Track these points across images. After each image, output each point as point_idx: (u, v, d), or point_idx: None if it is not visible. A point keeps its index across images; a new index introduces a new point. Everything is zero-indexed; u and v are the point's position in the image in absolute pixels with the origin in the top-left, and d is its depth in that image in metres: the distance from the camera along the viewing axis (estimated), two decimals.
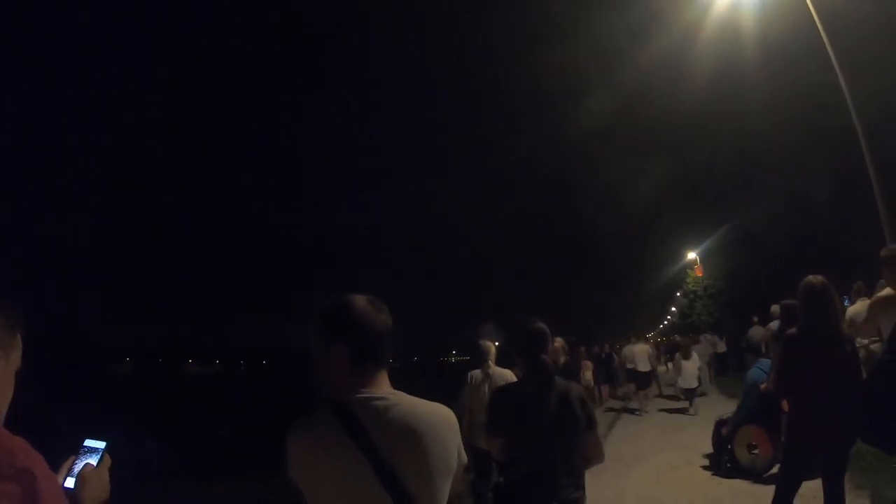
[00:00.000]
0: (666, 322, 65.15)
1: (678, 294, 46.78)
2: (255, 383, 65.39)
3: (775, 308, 9.89)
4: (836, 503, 3.89)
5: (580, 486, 2.81)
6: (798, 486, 3.95)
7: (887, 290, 4.49)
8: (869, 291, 7.99)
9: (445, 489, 1.73)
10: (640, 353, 16.15)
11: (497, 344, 5.95)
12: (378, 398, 1.69)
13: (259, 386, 56.75)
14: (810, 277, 4.00)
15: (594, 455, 2.93)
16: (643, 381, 15.63)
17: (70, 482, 1.52)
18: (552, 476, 2.69)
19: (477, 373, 5.75)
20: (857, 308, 7.89)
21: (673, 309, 55.36)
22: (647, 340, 21.80)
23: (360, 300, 1.78)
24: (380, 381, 1.75)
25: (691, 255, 38.03)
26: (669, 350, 18.11)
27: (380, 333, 1.76)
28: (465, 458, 1.81)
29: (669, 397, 17.26)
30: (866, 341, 7.53)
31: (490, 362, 5.78)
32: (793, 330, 4.11)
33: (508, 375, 5.68)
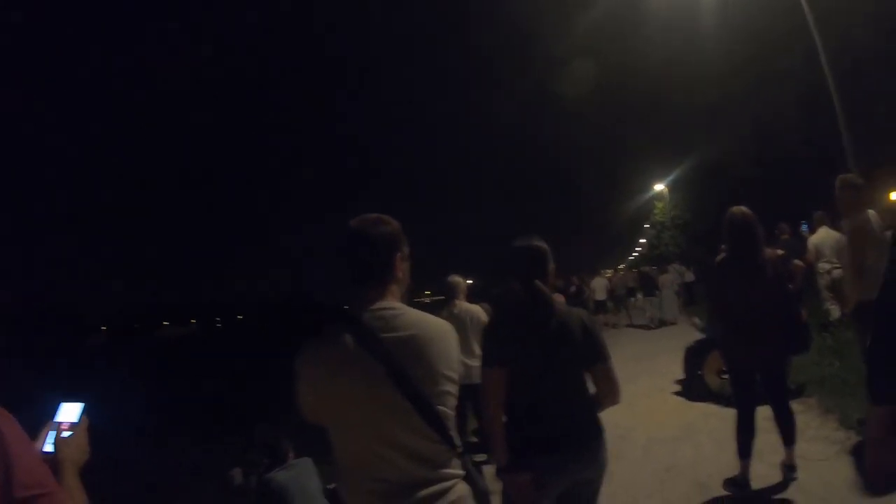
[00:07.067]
0: (636, 253, 65.93)
1: (646, 226, 47.15)
2: (233, 341, 65.07)
3: None
4: (786, 421, 4.16)
5: (596, 436, 2.51)
6: (751, 407, 4.17)
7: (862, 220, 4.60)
8: (830, 220, 8.21)
9: (452, 393, 1.83)
10: (597, 285, 19.67)
11: (471, 282, 5.90)
12: (386, 308, 1.81)
13: (237, 343, 56.60)
14: (733, 209, 4.19)
15: (608, 392, 2.55)
16: (600, 307, 19.48)
17: (51, 447, 1.50)
18: (558, 415, 2.44)
19: (444, 310, 5.71)
20: (820, 236, 8.09)
21: (642, 240, 55.93)
22: (602, 274, 23.58)
23: (359, 220, 1.89)
24: (388, 295, 1.86)
25: (658, 187, 38.32)
26: (642, 281, 18.46)
27: (372, 248, 1.85)
28: (462, 369, 1.92)
29: (639, 326, 17.78)
30: (829, 267, 7.78)
31: (456, 300, 5.75)
32: (720, 257, 4.35)
33: (476, 311, 5.69)
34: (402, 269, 1.92)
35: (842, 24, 15.13)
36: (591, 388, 2.59)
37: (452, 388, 1.82)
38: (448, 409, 1.80)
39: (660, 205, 38.90)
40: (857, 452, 4.40)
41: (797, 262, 6.69)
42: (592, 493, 2.54)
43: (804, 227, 11.16)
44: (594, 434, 2.50)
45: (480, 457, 5.18)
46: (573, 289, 19.08)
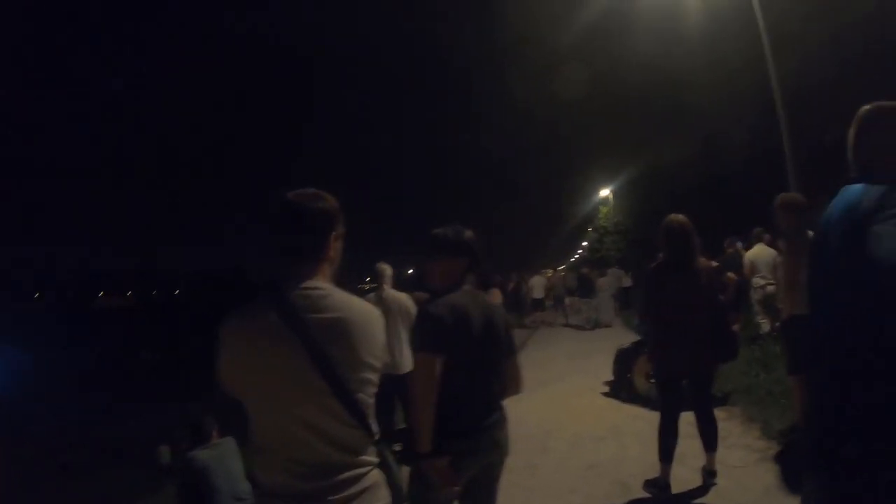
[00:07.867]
0: (577, 256, 67.00)
1: (590, 229, 47.87)
2: (168, 314, 63.93)
3: None
4: (708, 428, 4.25)
5: (502, 423, 2.63)
6: (676, 412, 4.23)
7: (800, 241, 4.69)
8: (769, 237, 8.44)
9: (373, 381, 1.78)
10: (536, 284, 20.67)
11: (410, 272, 5.82)
12: (314, 288, 1.74)
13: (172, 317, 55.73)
14: (671, 216, 4.30)
15: (513, 383, 2.71)
16: (537, 305, 20.60)
17: None
18: (477, 403, 2.53)
19: (371, 296, 5.54)
20: (756, 252, 8.34)
21: (584, 243, 56.76)
22: (542, 273, 24.64)
23: (296, 193, 1.81)
24: (318, 273, 1.79)
25: (604, 192, 38.93)
26: (580, 283, 18.75)
27: (308, 224, 1.78)
28: (387, 358, 1.85)
29: (574, 326, 18.04)
30: (763, 283, 8.01)
31: (385, 286, 5.65)
32: (655, 263, 4.43)
33: (404, 299, 5.59)
34: (336, 248, 1.87)
35: (796, 47, 15.56)
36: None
37: (373, 376, 1.78)
38: (367, 396, 1.76)
39: (604, 209, 39.59)
40: (777, 461, 4.53)
41: (730, 274, 6.88)
42: (496, 477, 2.65)
43: (739, 244, 11.54)
44: (501, 421, 2.62)
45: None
46: (511, 285, 19.32)
